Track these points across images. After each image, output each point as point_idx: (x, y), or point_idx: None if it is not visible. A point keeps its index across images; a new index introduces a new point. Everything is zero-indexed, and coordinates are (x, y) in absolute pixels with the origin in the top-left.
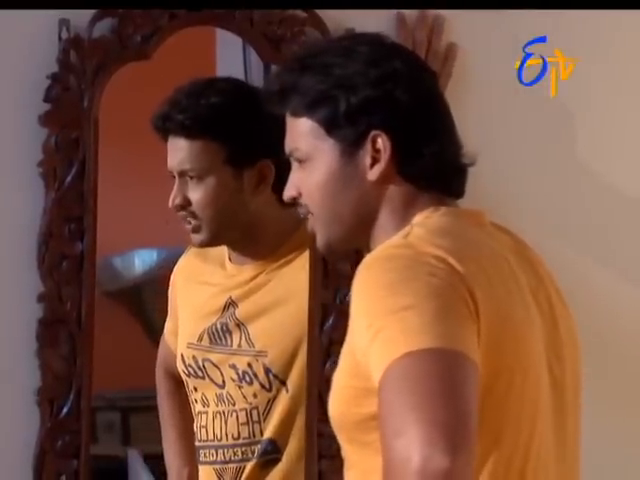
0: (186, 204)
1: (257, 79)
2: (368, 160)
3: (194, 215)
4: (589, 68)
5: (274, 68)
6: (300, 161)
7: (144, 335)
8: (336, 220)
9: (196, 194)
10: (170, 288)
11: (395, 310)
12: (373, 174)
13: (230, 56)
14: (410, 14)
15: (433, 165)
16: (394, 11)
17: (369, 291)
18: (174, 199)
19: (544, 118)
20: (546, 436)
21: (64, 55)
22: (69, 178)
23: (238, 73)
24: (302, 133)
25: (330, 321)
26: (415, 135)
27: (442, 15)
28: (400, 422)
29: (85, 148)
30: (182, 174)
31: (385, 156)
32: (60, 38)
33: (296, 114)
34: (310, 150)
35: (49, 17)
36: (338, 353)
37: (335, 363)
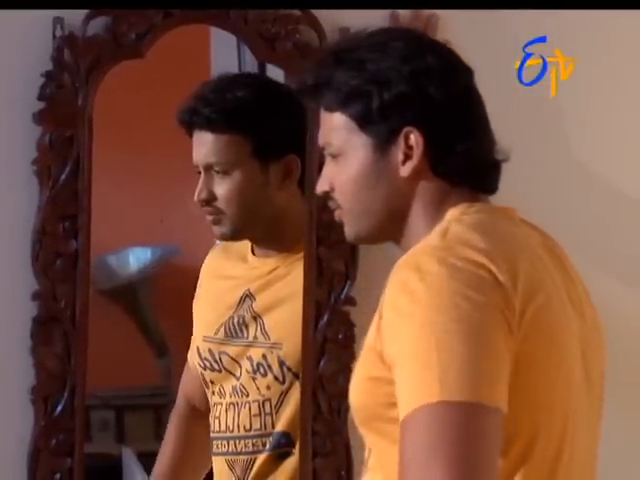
0: (211, 199)
1: None
2: (400, 156)
3: (219, 210)
4: (589, 68)
5: (269, 66)
6: (333, 156)
7: (138, 333)
8: (366, 215)
9: (222, 188)
10: (197, 290)
11: (431, 345)
12: (405, 170)
13: (225, 54)
14: (404, 13)
15: (466, 161)
16: (388, 10)
17: (405, 307)
18: (199, 193)
19: (544, 118)
20: (580, 434)
21: (58, 53)
22: (63, 176)
23: (232, 71)
24: (335, 128)
25: (324, 319)
26: (448, 131)
27: (436, 14)
28: (421, 473)
29: (79, 146)
30: (208, 168)
31: (417, 152)
32: (54, 36)
33: (330, 109)
34: (343, 145)
35: (43, 15)
36: (332, 351)
37: (330, 361)
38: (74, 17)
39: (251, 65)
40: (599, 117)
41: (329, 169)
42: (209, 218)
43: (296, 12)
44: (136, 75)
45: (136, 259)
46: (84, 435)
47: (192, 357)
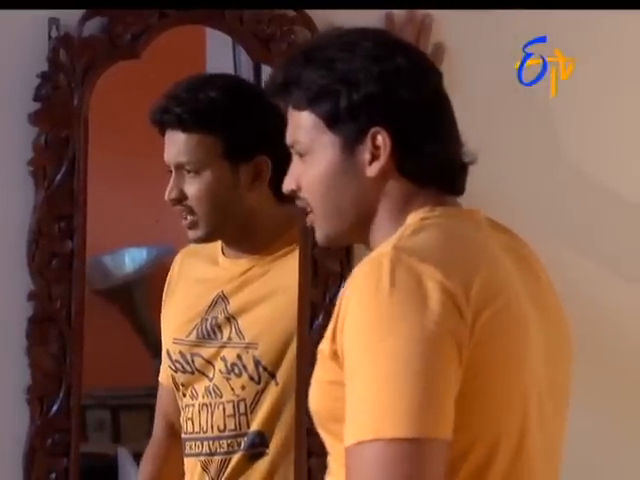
0: (182, 198)
1: (247, 78)
2: (367, 156)
3: (190, 210)
4: (589, 68)
5: (264, 67)
6: (300, 154)
7: (134, 333)
8: (335, 214)
9: (192, 188)
10: (165, 292)
11: (377, 375)
12: (372, 170)
13: (220, 55)
14: (399, 14)
15: (433, 163)
16: (383, 10)
17: (357, 324)
18: (170, 192)
19: (544, 118)
20: (541, 436)
21: (54, 54)
22: (59, 177)
23: (228, 72)
24: (303, 126)
25: (319, 319)
26: (416, 133)
27: (430, 14)
28: None
29: (75, 147)
30: (178, 167)
31: (385, 153)
32: (50, 37)
33: (298, 107)
34: (311, 144)
35: (39, 16)
36: None
37: None
38: (70, 18)
39: (247, 66)
40: (599, 117)
41: (296, 168)
42: (184, 222)
43: (291, 13)
44: (132, 76)
45: (132, 259)
46: (80, 435)
47: (163, 369)
